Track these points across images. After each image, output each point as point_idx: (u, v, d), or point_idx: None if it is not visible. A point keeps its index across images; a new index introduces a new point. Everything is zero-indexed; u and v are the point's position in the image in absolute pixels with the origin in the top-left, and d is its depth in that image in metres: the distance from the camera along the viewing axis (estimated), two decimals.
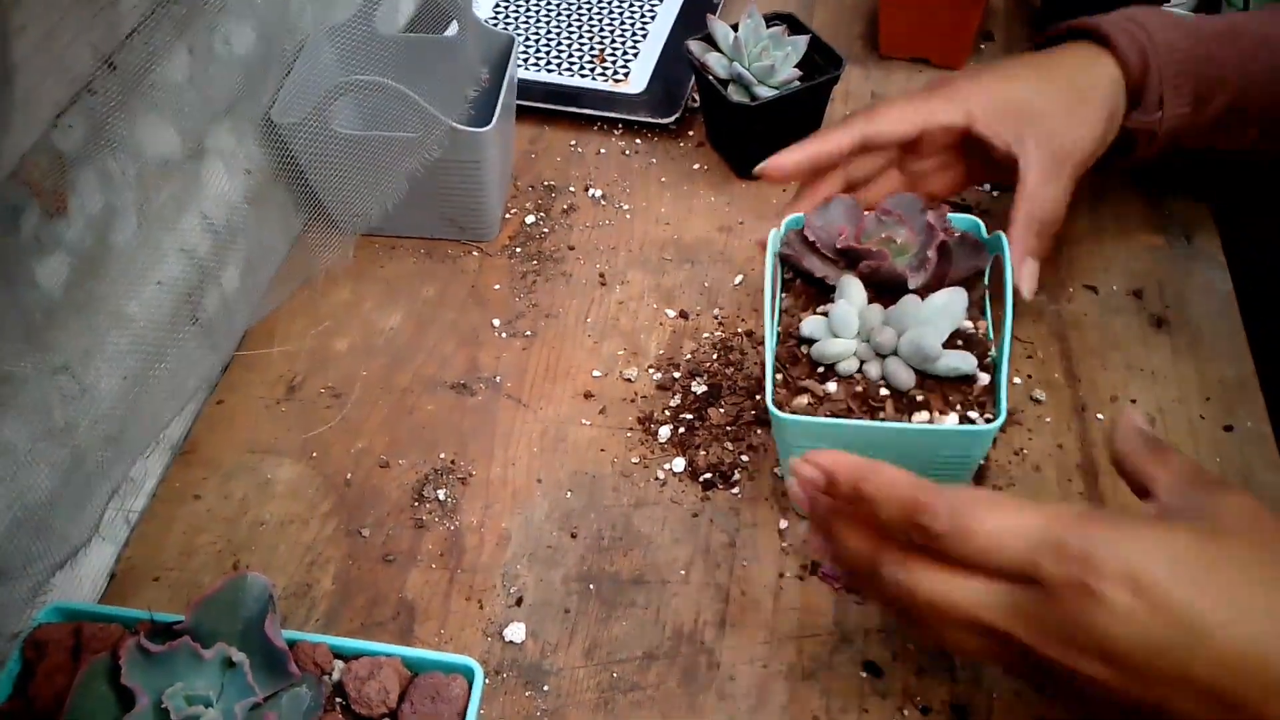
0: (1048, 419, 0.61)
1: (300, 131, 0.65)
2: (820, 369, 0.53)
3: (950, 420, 0.50)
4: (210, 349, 0.64)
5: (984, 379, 0.52)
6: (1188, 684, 0.36)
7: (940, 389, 0.52)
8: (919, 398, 0.51)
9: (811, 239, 0.56)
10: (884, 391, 0.52)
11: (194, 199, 0.61)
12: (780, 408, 0.51)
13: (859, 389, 0.52)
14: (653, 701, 0.51)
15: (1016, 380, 0.63)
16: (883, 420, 0.51)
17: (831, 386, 0.52)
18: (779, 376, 0.53)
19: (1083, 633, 0.37)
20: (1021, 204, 0.59)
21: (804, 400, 0.52)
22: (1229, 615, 0.36)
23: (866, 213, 0.57)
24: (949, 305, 0.53)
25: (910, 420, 0.50)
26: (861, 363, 0.53)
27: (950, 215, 0.56)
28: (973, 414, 0.51)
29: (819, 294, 0.57)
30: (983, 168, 0.63)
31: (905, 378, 0.51)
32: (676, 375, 0.65)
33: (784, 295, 0.57)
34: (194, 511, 0.59)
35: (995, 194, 0.75)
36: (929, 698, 0.50)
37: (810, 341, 0.54)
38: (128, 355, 0.56)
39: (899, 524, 0.40)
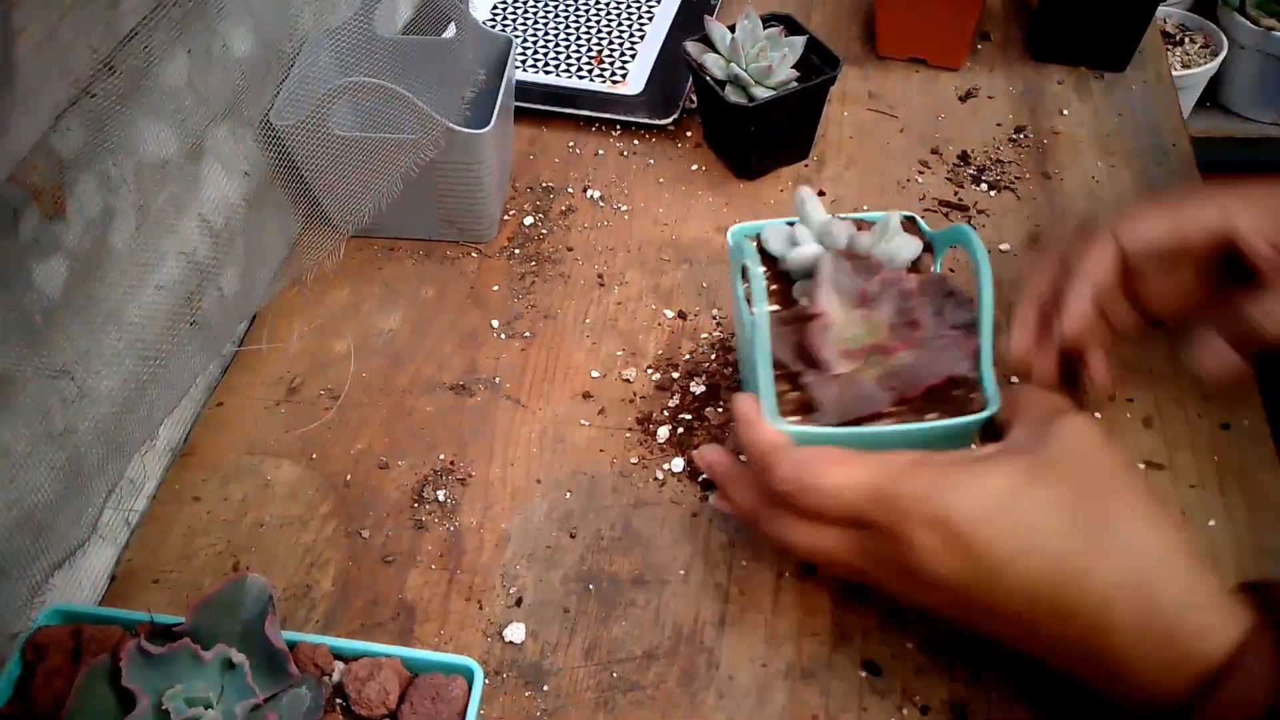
0: None
1: (298, 133, 0.65)
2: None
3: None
4: (208, 349, 0.64)
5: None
6: (994, 612, 0.42)
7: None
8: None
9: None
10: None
11: (193, 201, 0.61)
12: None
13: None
14: (652, 701, 0.51)
15: (1014, 380, 0.63)
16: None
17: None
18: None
19: (906, 569, 0.43)
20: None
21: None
22: (1020, 548, 0.41)
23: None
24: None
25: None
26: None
27: (932, 233, 0.54)
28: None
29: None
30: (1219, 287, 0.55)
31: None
32: (675, 375, 0.65)
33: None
34: (194, 513, 0.59)
35: (993, 194, 0.75)
36: (928, 697, 0.51)
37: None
38: (126, 357, 0.56)
39: (756, 468, 0.47)
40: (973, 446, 0.49)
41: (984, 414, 0.48)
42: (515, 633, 0.53)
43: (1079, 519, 0.41)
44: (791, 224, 0.55)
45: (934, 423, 0.48)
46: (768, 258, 0.55)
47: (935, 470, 0.43)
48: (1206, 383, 0.50)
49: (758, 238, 0.55)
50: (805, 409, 0.49)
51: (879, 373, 0.49)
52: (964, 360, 0.49)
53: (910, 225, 0.55)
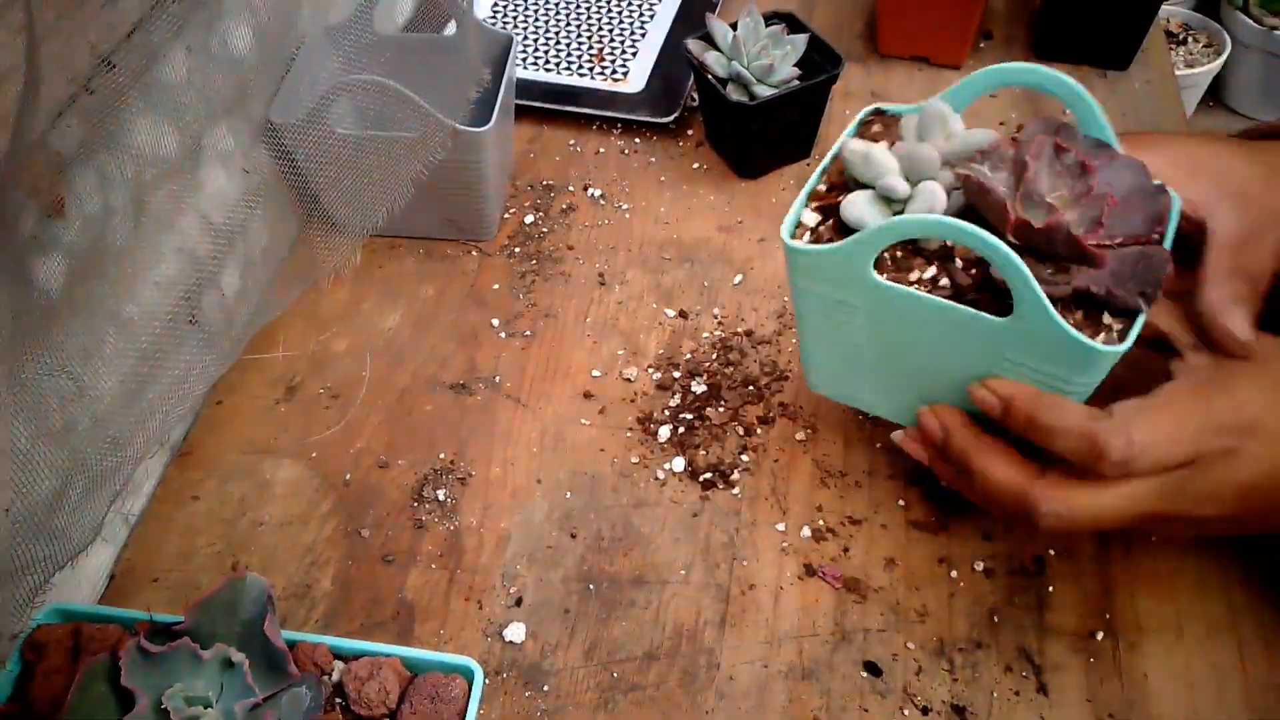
0: None
1: (298, 132, 0.65)
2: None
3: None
4: (211, 351, 0.64)
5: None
6: None
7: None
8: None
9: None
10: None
11: (192, 199, 0.61)
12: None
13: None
14: (653, 701, 0.51)
15: None
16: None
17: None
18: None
19: (1227, 486, 0.45)
20: (1217, 253, 0.49)
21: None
22: None
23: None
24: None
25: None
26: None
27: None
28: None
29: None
30: None
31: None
32: (676, 375, 0.65)
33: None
34: (193, 512, 0.59)
35: None
36: (929, 697, 0.50)
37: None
38: (126, 356, 0.56)
39: (1077, 456, 0.45)
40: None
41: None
42: (515, 632, 0.53)
43: None
44: (846, 186, 0.46)
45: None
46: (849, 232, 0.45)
47: (1230, 391, 0.46)
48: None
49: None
50: (1088, 318, 0.43)
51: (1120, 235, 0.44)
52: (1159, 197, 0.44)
53: (878, 115, 0.51)
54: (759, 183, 0.78)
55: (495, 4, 0.93)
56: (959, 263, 0.44)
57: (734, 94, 0.72)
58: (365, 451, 0.62)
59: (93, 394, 0.54)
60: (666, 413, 0.63)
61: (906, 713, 0.50)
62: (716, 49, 0.74)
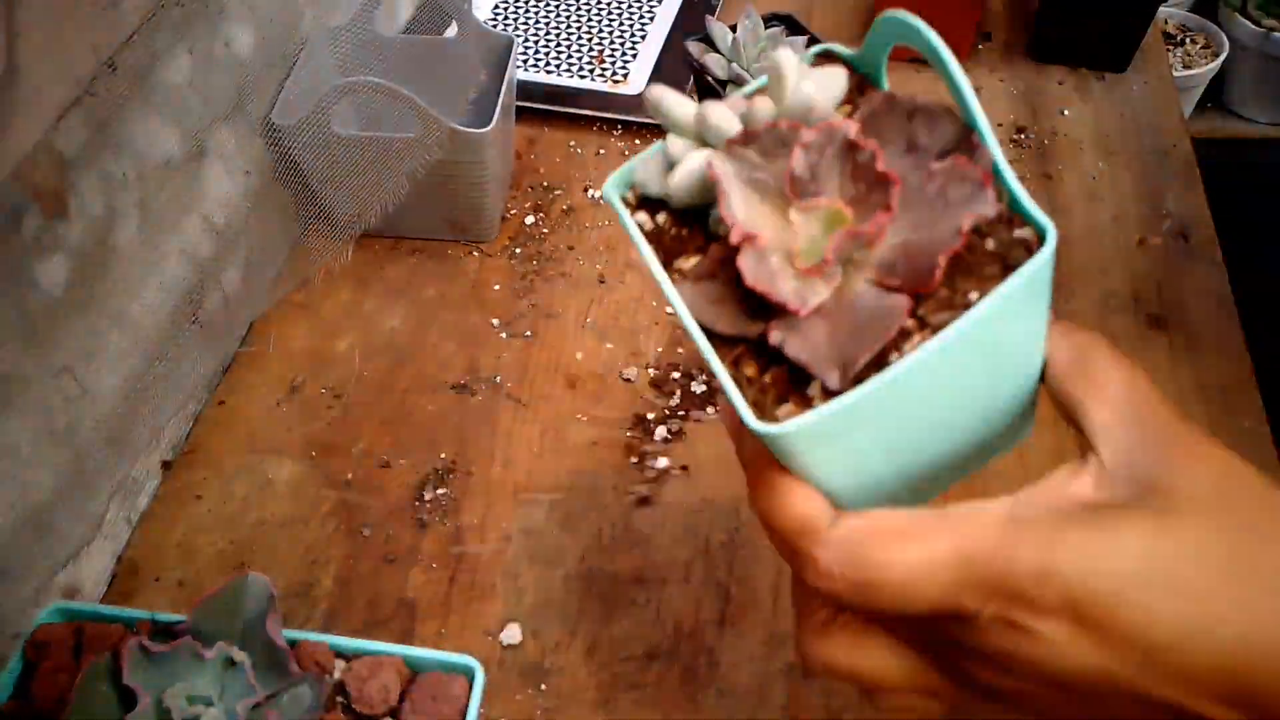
0: (1047, 419, 0.61)
1: (300, 133, 0.65)
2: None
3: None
4: (211, 349, 0.64)
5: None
6: (1150, 704, 0.31)
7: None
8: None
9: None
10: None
11: (194, 200, 0.61)
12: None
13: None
14: (653, 701, 0.51)
15: None
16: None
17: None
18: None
19: (1020, 664, 0.31)
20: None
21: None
22: (1186, 630, 0.30)
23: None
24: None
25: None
26: None
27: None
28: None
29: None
30: None
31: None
32: (675, 375, 0.65)
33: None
34: (195, 512, 0.59)
35: None
36: None
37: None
38: (129, 356, 0.56)
39: (796, 575, 0.32)
40: (1051, 476, 0.34)
41: (1048, 246, 0.31)
42: (515, 632, 0.54)
43: (1260, 576, 0.31)
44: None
45: (991, 301, 0.30)
46: (654, 203, 0.37)
47: (1044, 531, 0.31)
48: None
49: (632, 186, 0.38)
50: (794, 385, 0.30)
51: (871, 273, 0.31)
52: (981, 191, 0.31)
53: (825, 59, 0.37)
54: None
55: (496, 6, 0.93)
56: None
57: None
58: (366, 451, 0.62)
59: (96, 394, 0.54)
60: (666, 412, 0.63)
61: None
62: (716, 51, 0.74)
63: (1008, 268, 0.31)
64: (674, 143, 0.36)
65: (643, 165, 0.37)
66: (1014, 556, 0.30)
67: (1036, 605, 0.30)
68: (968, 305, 0.30)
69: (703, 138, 0.35)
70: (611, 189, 0.37)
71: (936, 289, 0.31)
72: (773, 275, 0.31)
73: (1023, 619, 0.30)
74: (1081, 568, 0.30)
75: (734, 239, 0.30)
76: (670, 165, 0.36)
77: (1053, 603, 0.30)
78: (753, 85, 0.36)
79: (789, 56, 0.33)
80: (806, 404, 0.30)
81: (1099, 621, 0.30)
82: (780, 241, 0.31)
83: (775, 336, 0.30)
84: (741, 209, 0.32)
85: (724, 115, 0.34)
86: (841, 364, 0.30)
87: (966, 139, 0.35)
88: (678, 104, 0.36)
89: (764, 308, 0.31)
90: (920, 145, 0.34)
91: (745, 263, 0.30)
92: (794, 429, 0.29)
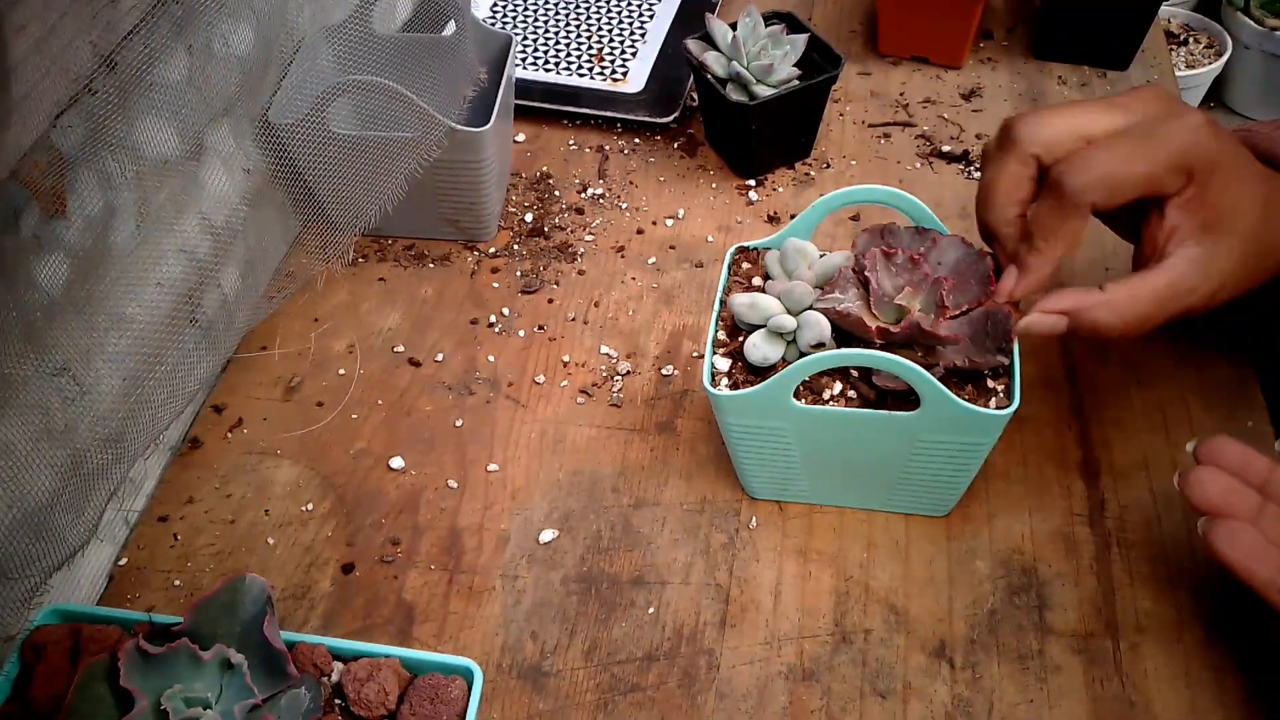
0: (1048, 419, 0.61)
1: (298, 132, 0.65)
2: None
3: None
4: (209, 349, 0.64)
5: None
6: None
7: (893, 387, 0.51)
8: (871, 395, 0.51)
9: (866, 274, 0.52)
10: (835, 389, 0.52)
11: (193, 199, 0.61)
12: (715, 385, 0.52)
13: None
14: (653, 702, 0.51)
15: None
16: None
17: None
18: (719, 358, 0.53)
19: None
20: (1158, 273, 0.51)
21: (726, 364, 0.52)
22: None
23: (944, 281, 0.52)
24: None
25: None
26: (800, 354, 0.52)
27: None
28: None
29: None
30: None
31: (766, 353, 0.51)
32: (675, 375, 0.65)
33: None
34: (193, 513, 0.59)
35: None
36: (929, 698, 0.50)
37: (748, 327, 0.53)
38: (127, 356, 0.56)
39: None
40: None
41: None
42: (515, 632, 0.53)
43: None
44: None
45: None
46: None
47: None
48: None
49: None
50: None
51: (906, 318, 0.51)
52: (1008, 343, 0.51)
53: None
54: (759, 182, 0.78)
55: (495, 4, 0.93)
56: (855, 373, 0.51)
57: (734, 94, 0.72)
58: (365, 452, 0.62)
59: (94, 394, 0.54)
60: (665, 412, 0.63)
61: (907, 713, 0.50)
62: (716, 49, 0.74)
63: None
64: (781, 320, 0.52)
65: (754, 348, 0.52)
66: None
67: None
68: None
69: (789, 308, 0.53)
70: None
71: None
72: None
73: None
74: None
75: (903, 315, 0.51)
76: (780, 335, 0.53)
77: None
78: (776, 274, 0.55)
79: (802, 243, 0.54)
80: (990, 395, 0.51)
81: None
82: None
83: (949, 357, 0.51)
84: (890, 288, 0.52)
85: (802, 288, 0.52)
86: (997, 349, 0.51)
87: (921, 231, 0.55)
88: (765, 299, 0.53)
89: (928, 345, 0.51)
90: (896, 252, 0.52)
91: (915, 323, 0.50)
92: (1013, 407, 0.49)
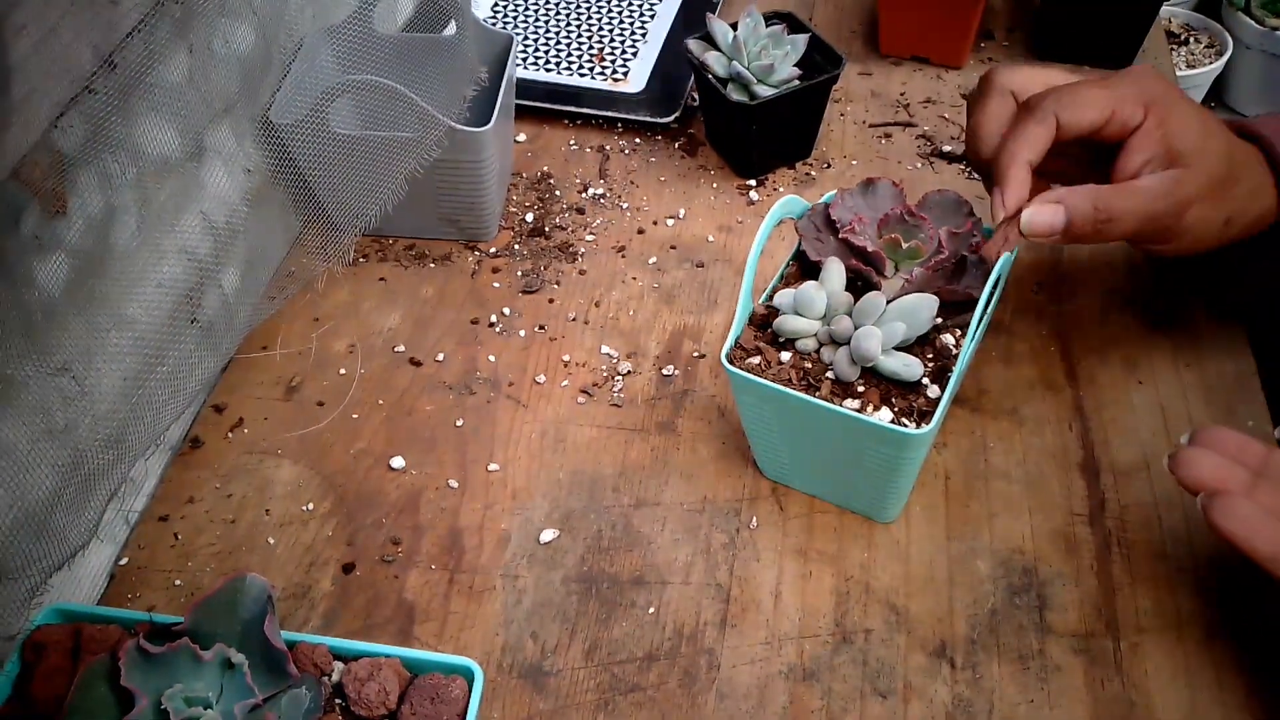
0: (1048, 419, 0.61)
1: (298, 132, 0.65)
2: (781, 339, 0.54)
3: (880, 416, 0.51)
4: (210, 350, 0.64)
5: (933, 390, 0.52)
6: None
7: (883, 387, 0.52)
8: (860, 389, 0.52)
9: (834, 219, 0.56)
10: (828, 375, 0.53)
11: (194, 199, 0.61)
12: (732, 363, 0.53)
13: (807, 365, 0.53)
14: (653, 702, 0.51)
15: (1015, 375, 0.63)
16: (817, 398, 0.51)
17: (785, 356, 0.54)
18: (744, 333, 0.55)
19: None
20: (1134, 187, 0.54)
21: (755, 361, 0.53)
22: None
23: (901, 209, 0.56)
24: (915, 310, 0.52)
25: (838, 405, 0.51)
26: (820, 345, 0.54)
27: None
28: (906, 420, 0.51)
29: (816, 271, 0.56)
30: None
31: (847, 370, 0.52)
32: (675, 374, 0.65)
33: (790, 263, 0.58)
34: (193, 512, 0.59)
35: None
36: (929, 698, 0.50)
37: (779, 311, 0.54)
38: (128, 356, 0.56)
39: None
40: None
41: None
42: (516, 632, 0.53)
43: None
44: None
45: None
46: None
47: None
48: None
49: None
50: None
51: (909, 268, 0.55)
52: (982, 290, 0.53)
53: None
54: (759, 182, 0.78)
55: (495, 4, 0.93)
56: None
57: (734, 94, 0.72)
58: (365, 451, 0.62)
59: (94, 394, 0.54)
60: (665, 412, 0.63)
61: (907, 713, 0.50)
62: (717, 49, 0.74)
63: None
64: (843, 325, 0.53)
65: (786, 321, 0.54)
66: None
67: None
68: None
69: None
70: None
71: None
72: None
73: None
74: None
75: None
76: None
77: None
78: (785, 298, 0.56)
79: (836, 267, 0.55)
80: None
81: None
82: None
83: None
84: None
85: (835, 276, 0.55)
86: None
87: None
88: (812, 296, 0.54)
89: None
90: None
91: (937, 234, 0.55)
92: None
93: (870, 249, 0.54)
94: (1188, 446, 0.50)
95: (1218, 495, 0.47)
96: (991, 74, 0.59)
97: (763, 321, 0.55)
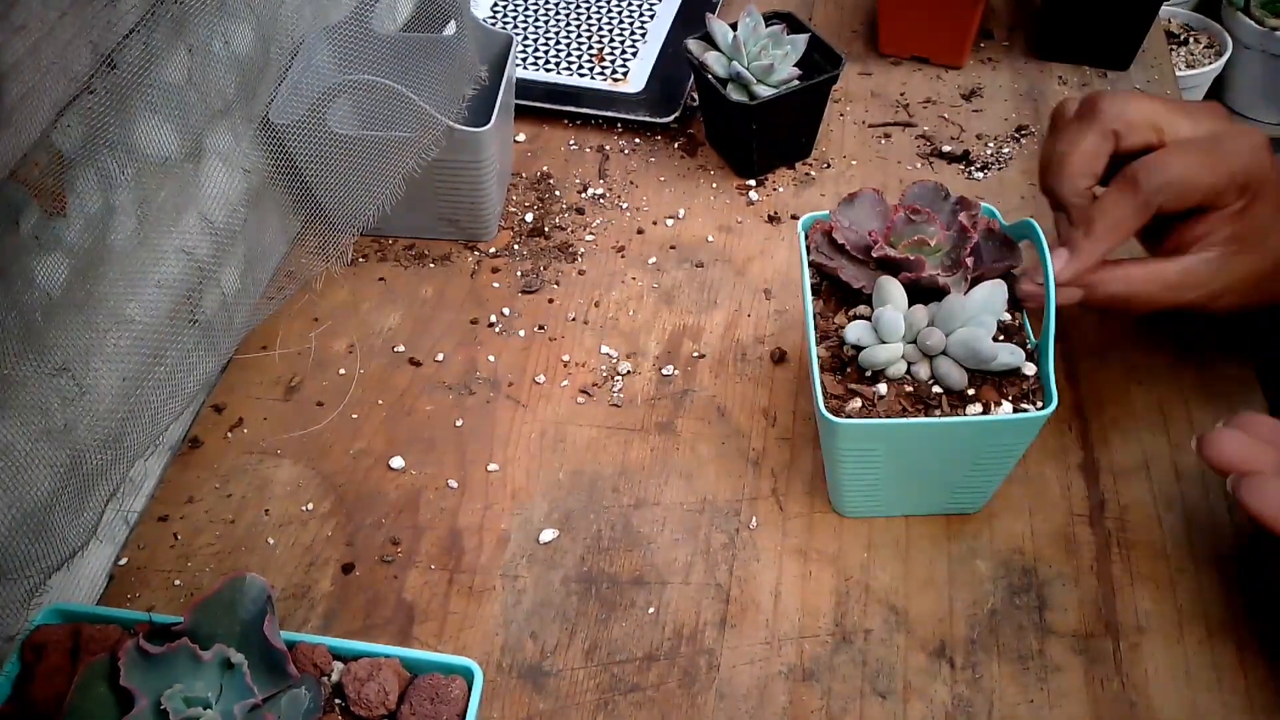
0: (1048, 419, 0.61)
1: (297, 131, 0.65)
2: (868, 373, 0.52)
3: (1005, 410, 0.50)
4: (209, 350, 0.64)
5: (1029, 369, 0.52)
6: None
7: (990, 382, 0.51)
8: (970, 392, 0.51)
9: (841, 241, 0.55)
10: (936, 390, 0.51)
11: (192, 199, 0.61)
12: (835, 414, 0.51)
13: (909, 389, 0.52)
14: (653, 702, 0.51)
15: None
16: (940, 416, 0.50)
17: (882, 389, 0.51)
18: (826, 381, 0.52)
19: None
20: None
21: (856, 404, 0.51)
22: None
23: (896, 210, 0.55)
24: (991, 300, 0.51)
25: (965, 414, 0.50)
26: (909, 365, 0.52)
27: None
28: (1025, 405, 0.51)
29: (848, 296, 0.55)
30: None
31: (958, 377, 0.51)
32: (675, 374, 0.65)
33: (815, 299, 0.56)
34: (192, 512, 0.59)
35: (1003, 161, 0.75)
36: (929, 698, 0.50)
37: (857, 348, 0.52)
38: (127, 356, 0.56)
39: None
40: None
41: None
42: (515, 632, 0.53)
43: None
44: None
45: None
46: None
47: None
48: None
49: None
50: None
51: (940, 260, 0.54)
52: (1019, 257, 0.54)
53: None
54: (759, 182, 0.78)
55: (495, 4, 0.93)
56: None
57: (734, 94, 0.72)
58: (365, 451, 0.62)
59: (93, 394, 0.54)
60: (665, 412, 0.63)
61: (907, 713, 0.50)
62: (716, 49, 0.74)
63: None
64: (934, 342, 0.52)
65: (872, 354, 0.53)
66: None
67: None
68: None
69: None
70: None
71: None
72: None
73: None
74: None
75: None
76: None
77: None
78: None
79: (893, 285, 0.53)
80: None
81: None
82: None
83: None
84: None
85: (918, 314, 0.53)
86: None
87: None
88: (885, 349, 0.52)
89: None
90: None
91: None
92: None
93: (898, 256, 0.53)
94: (1216, 429, 0.49)
95: (1248, 475, 0.47)
96: (1097, 102, 0.53)
97: (833, 365, 0.53)
